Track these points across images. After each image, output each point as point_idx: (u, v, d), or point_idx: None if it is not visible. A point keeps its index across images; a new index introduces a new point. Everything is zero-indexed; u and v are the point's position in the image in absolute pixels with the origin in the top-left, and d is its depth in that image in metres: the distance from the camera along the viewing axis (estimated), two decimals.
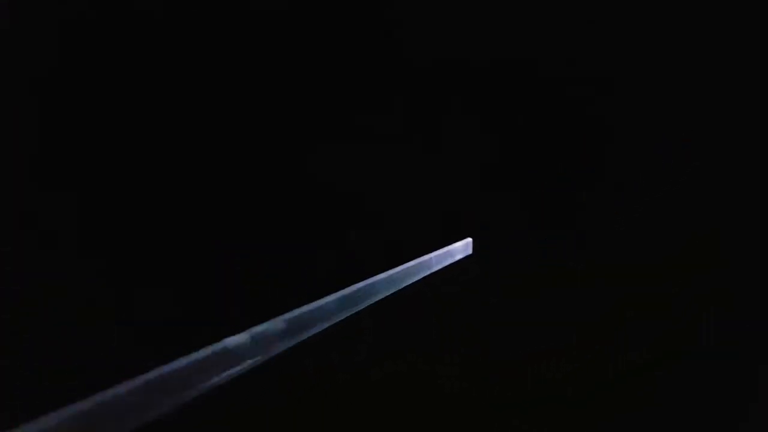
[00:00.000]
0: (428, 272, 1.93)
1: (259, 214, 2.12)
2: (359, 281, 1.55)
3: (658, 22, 2.38)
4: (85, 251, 1.95)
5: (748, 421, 1.78)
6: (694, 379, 1.88)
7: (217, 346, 0.99)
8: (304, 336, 1.26)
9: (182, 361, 0.99)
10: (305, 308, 1.26)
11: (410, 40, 2.34)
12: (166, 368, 0.93)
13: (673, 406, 1.81)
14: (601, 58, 2.40)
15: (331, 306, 1.38)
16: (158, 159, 2.09)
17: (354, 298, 1.50)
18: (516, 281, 2.21)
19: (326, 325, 1.36)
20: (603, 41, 2.39)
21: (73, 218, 1.98)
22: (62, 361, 1.65)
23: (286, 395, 1.51)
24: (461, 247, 2.16)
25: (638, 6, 2.39)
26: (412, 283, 1.86)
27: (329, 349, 1.52)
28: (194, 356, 0.99)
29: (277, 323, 1.17)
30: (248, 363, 1.12)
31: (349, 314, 1.50)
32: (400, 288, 1.75)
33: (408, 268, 1.82)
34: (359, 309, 1.54)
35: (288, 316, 1.17)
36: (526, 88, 2.42)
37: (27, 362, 1.62)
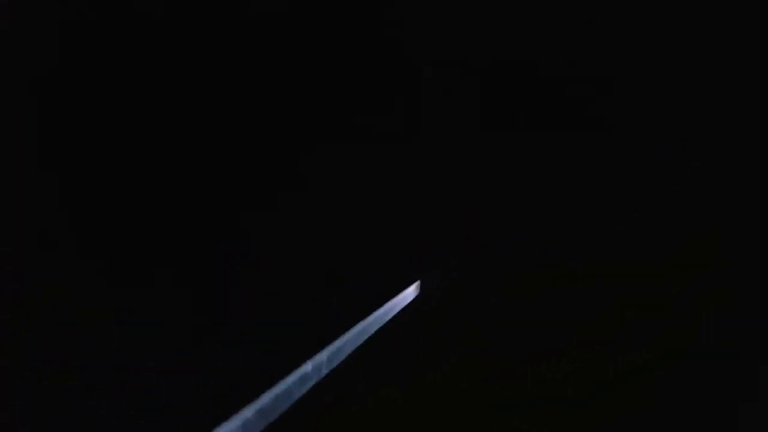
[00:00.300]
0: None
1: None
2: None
3: (658, 22, 2.38)
4: (86, 252, 1.95)
5: (748, 421, 1.78)
6: (694, 379, 1.88)
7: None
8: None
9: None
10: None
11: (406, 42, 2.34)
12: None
13: (673, 406, 1.81)
14: (601, 58, 2.40)
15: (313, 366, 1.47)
16: (160, 161, 2.09)
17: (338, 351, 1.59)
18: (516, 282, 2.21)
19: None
20: (603, 41, 2.39)
21: (73, 218, 1.98)
22: (62, 361, 1.65)
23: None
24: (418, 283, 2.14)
25: (638, 6, 2.39)
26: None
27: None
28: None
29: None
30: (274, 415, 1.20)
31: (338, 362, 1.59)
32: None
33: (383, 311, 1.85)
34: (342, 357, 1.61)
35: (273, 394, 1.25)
36: (525, 87, 2.42)
37: (27, 362, 1.62)
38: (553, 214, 2.34)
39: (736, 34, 2.35)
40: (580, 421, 1.78)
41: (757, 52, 2.35)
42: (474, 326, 2.05)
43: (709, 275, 2.19)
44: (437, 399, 1.78)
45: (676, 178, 2.37)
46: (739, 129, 2.37)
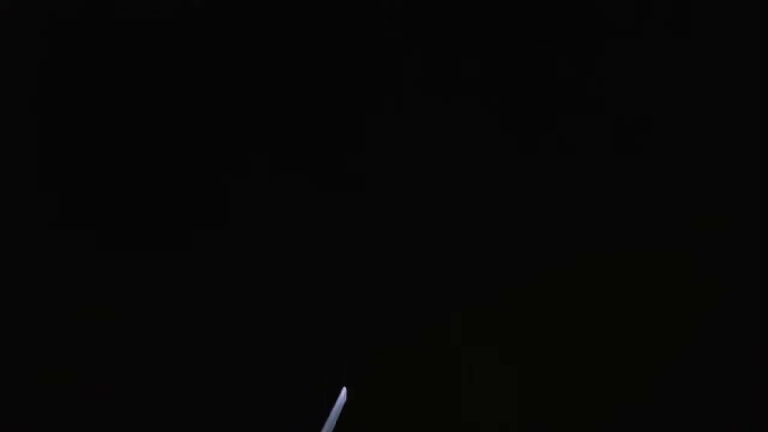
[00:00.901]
0: None
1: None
2: None
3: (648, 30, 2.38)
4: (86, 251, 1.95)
5: (748, 421, 1.78)
6: (695, 378, 1.88)
7: None
8: None
9: None
10: None
11: None
12: None
13: (673, 405, 1.81)
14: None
15: None
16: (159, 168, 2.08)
17: None
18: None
19: None
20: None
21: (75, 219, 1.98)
22: (63, 361, 1.65)
23: None
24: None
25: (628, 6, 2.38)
26: None
27: None
28: None
29: None
30: None
31: None
32: None
33: None
34: None
35: None
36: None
37: (31, 363, 1.61)
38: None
39: (733, 37, 2.35)
40: (580, 421, 1.78)
41: (755, 53, 2.35)
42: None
43: (709, 275, 2.19)
44: None
45: (671, 177, 2.36)
46: (737, 128, 2.37)
